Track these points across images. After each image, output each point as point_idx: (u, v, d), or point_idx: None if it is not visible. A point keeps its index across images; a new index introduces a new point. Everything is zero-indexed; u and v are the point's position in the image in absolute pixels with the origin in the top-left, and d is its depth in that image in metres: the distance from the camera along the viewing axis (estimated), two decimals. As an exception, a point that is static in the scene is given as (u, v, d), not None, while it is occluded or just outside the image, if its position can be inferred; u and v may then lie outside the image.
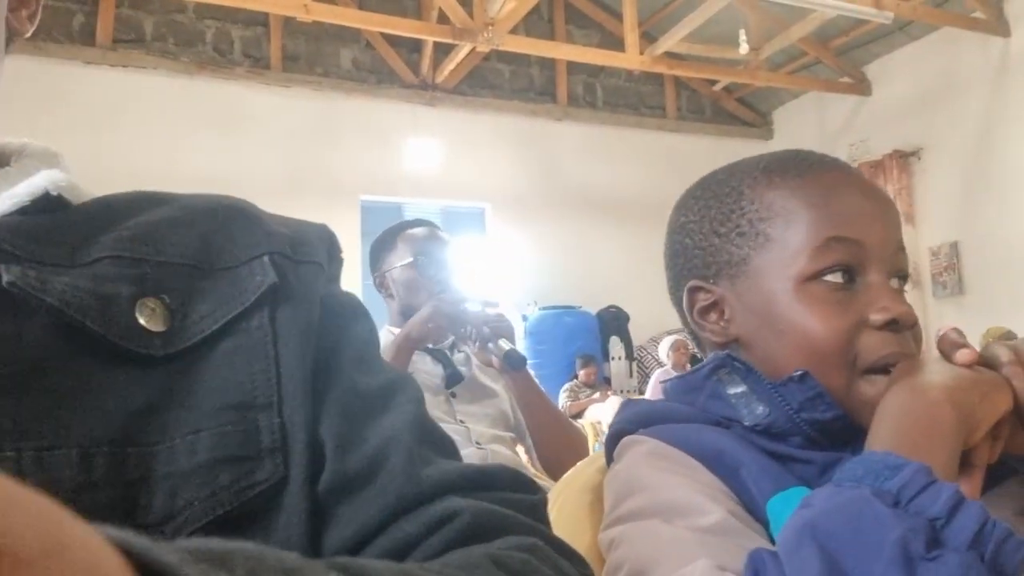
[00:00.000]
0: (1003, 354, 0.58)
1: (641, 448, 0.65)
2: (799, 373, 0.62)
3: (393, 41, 6.76)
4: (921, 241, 6.61)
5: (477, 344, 1.65)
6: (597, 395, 5.99)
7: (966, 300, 6.29)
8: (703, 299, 0.70)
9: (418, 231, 1.85)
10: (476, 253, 6.92)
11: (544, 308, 6.73)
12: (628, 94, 7.96)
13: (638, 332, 7.12)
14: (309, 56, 6.68)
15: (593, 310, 7.00)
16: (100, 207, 0.48)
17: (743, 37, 5.87)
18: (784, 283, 0.64)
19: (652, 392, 5.29)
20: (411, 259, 1.78)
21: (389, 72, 6.89)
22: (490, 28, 5.64)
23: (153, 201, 0.49)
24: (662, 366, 6.24)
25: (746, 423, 0.64)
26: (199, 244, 0.47)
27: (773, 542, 0.55)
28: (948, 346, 0.58)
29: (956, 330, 0.60)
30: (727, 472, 0.60)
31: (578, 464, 0.75)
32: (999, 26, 6.06)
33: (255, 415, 0.42)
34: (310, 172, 6.32)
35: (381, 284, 1.86)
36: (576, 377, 6.25)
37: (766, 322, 0.65)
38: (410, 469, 0.43)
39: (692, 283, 0.70)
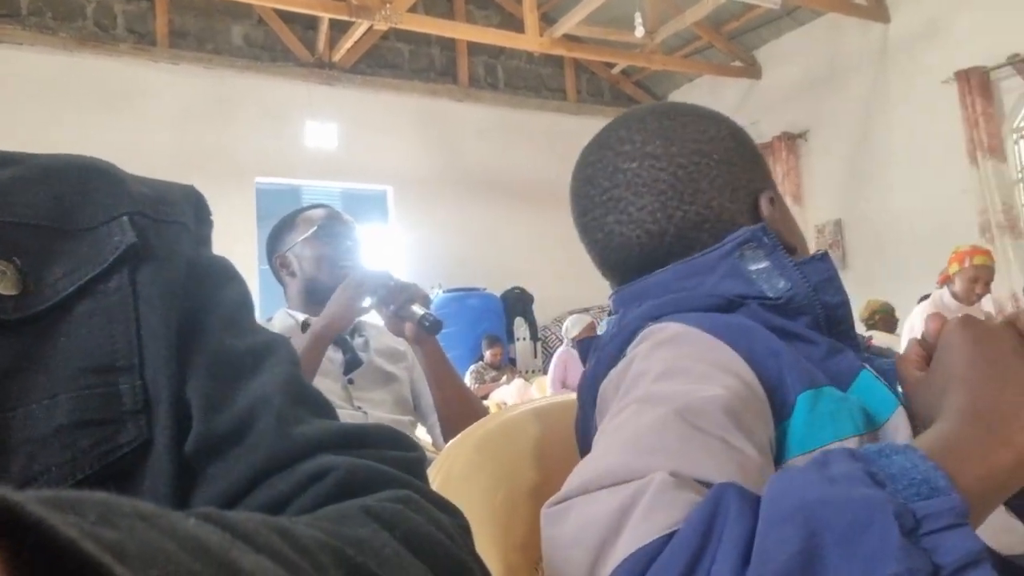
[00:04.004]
0: None
1: (665, 333, 0.63)
2: (820, 253, 0.67)
3: (287, 18, 6.58)
4: (808, 219, 6.91)
5: (392, 309, 1.60)
6: (504, 379, 6.03)
7: (849, 275, 6.60)
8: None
9: (317, 211, 1.82)
10: (379, 236, 6.85)
11: (448, 291, 6.72)
12: (529, 76, 8.00)
13: (542, 312, 7.21)
14: (198, 32, 6.43)
15: (497, 292, 7.05)
16: None
17: (639, 20, 5.96)
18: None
19: (555, 370, 5.36)
20: (315, 229, 1.75)
21: (283, 50, 6.71)
22: (388, 6, 5.56)
23: (2, 161, 0.47)
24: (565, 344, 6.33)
25: (769, 296, 0.66)
26: (52, 204, 0.45)
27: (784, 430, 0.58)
28: None
29: None
30: (762, 355, 0.60)
31: (468, 428, 0.75)
32: (879, 12, 6.37)
33: (116, 378, 0.41)
34: (202, 154, 6.10)
35: (281, 264, 1.81)
36: (482, 358, 6.28)
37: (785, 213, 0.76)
38: (281, 428, 0.42)
39: (767, 194, 0.74)
